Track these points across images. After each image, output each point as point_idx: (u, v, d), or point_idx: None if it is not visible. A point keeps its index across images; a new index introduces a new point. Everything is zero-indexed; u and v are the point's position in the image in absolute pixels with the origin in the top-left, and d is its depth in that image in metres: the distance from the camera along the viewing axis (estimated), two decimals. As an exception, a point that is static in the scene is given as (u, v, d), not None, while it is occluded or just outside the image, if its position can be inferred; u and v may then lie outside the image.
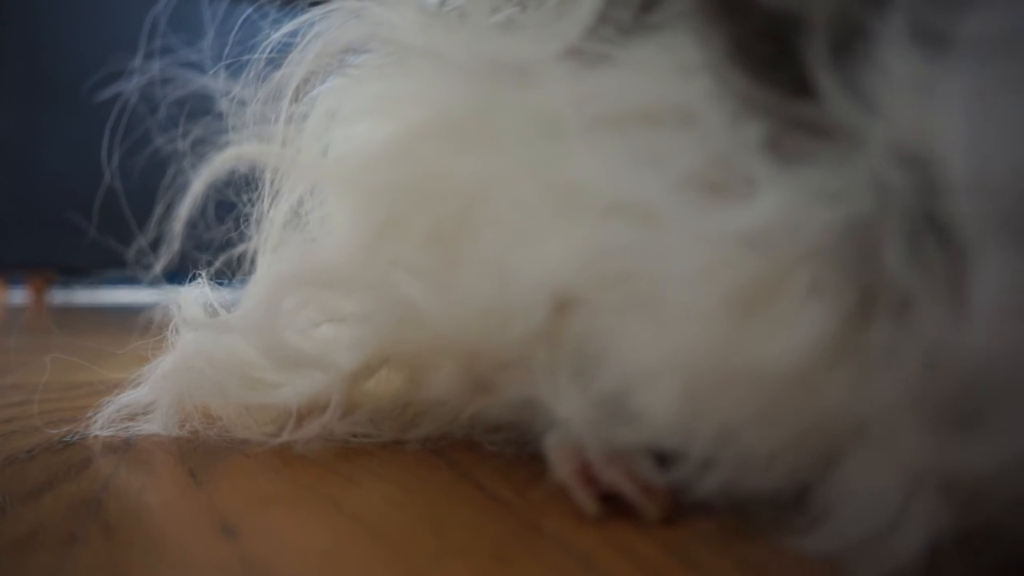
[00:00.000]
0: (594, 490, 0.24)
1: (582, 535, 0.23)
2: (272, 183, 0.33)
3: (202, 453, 0.32)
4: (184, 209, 0.29)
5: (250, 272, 0.33)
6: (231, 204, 0.33)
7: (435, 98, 0.28)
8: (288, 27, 0.34)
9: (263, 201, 0.34)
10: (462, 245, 0.27)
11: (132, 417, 0.35)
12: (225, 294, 0.35)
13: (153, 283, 0.31)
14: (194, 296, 0.35)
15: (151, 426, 0.34)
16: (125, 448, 0.33)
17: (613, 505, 0.24)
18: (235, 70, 0.33)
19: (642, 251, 0.22)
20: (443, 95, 0.28)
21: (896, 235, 0.19)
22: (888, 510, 0.19)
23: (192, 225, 0.29)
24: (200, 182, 0.29)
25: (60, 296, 2.03)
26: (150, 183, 0.30)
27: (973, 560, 0.19)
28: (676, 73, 0.23)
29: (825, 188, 0.20)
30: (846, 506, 0.21)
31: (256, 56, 0.33)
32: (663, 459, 0.24)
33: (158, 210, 0.29)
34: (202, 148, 0.30)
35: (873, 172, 0.20)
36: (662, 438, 0.23)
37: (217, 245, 0.33)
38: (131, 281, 0.32)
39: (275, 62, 0.33)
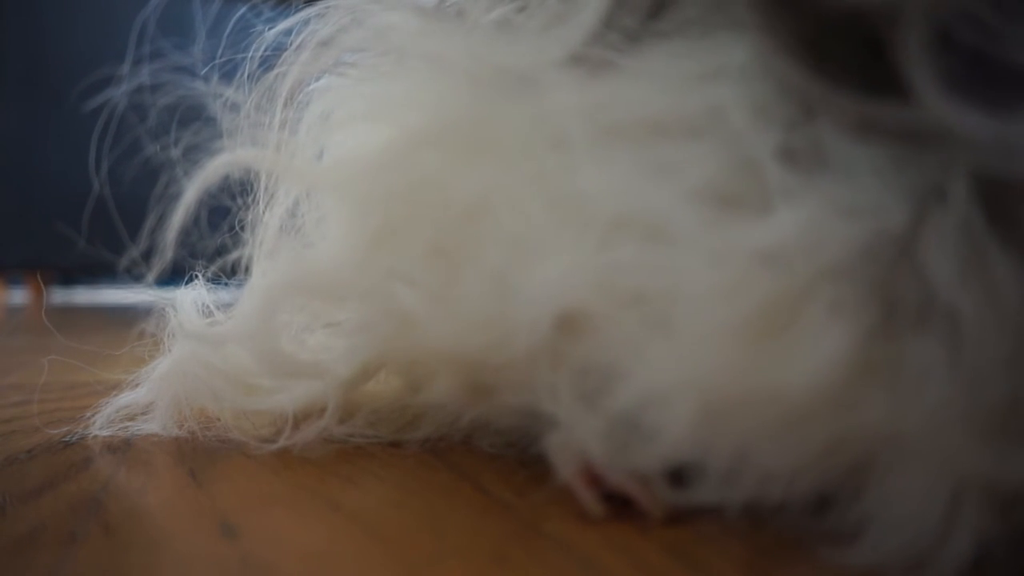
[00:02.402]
0: (598, 490, 0.24)
1: (583, 536, 0.22)
2: (267, 188, 0.33)
3: (202, 453, 0.32)
4: (178, 217, 0.28)
5: (246, 275, 0.33)
6: (228, 208, 0.33)
7: (434, 103, 0.27)
8: (284, 25, 0.33)
9: (258, 205, 0.33)
10: (462, 257, 0.26)
11: (132, 417, 0.35)
12: (222, 294, 0.35)
13: (150, 286, 0.30)
14: (190, 300, 0.34)
15: (150, 426, 0.34)
16: (125, 448, 0.33)
17: (615, 507, 0.24)
18: (232, 71, 0.33)
19: (652, 268, 0.22)
20: (442, 100, 0.27)
21: (945, 244, 0.19)
22: (932, 519, 0.19)
23: (189, 229, 0.29)
24: (193, 189, 0.29)
25: (60, 296, 2.03)
26: (147, 185, 0.30)
27: (1015, 560, 0.19)
28: (689, 81, 0.23)
29: (849, 202, 0.20)
30: (883, 517, 0.20)
31: (255, 55, 0.33)
32: (679, 473, 0.23)
33: (153, 216, 0.29)
34: (198, 152, 0.30)
35: (943, 173, 0.19)
36: (677, 455, 0.23)
37: (214, 249, 0.33)
38: (130, 282, 0.32)
39: (272, 61, 0.33)
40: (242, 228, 0.34)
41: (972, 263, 0.19)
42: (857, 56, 0.21)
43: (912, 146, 0.20)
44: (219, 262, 0.33)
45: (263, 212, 0.33)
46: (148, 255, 0.29)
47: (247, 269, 0.33)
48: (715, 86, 0.22)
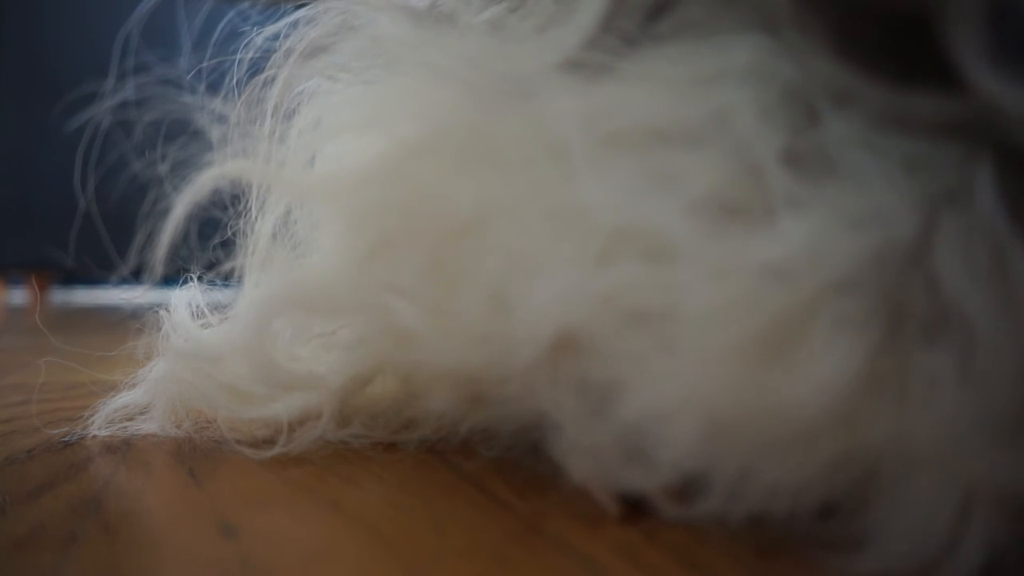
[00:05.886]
0: (614, 492, 0.24)
1: (584, 537, 0.22)
2: (259, 197, 0.33)
3: (201, 453, 0.32)
4: (168, 230, 0.28)
5: (240, 281, 0.33)
6: (224, 215, 0.33)
7: (428, 112, 0.27)
8: (273, 29, 0.33)
9: (250, 214, 0.33)
10: (460, 271, 0.26)
11: (130, 417, 0.35)
12: (217, 296, 0.35)
13: (147, 289, 0.30)
14: (184, 303, 0.34)
15: (149, 426, 0.34)
16: (125, 448, 0.33)
17: (625, 508, 0.24)
18: (232, 77, 0.33)
19: (654, 286, 0.21)
20: (437, 109, 0.26)
21: (958, 248, 0.18)
22: (941, 528, 0.19)
23: (186, 231, 0.29)
24: (183, 204, 0.28)
25: (60, 296, 2.03)
26: (145, 187, 0.30)
27: None
28: (690, 86, 0.22)
29: (857, 210, 0.19)
30: (891, 526, 0.20)
31: (249, 60, 0.33)
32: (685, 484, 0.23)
33: (146, 227, 0.28)
34: (191, 165, 0.30)
35: (971, 168, 0.19)
36: (682, 468, 0.22)
37: (208, 259, 0.32)
38: (128, 283, 0.32)
39: (262, 64, 0.33)
40: (235, 236, 0.33)
41: (990, 267, 0.18)
42: (892, 39, 0.21)
43: (942, 137, 0.20)
44: (214, 270, 0.33)
45: (255, 221, 0.33)
46: (142, 262, 0.29)
47: (241, 277, 0.33)
48: (717, 90, 0.22)
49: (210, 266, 0.33)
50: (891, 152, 0.20)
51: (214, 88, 0.32)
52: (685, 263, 0.21)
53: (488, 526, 0.23)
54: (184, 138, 0.30)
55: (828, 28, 0.21)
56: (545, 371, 0.24)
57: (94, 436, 0.34)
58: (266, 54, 0.33)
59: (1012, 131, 0.19)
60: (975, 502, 0.19)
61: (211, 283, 0.34)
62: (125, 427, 0.34)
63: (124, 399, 0.35)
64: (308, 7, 0.32)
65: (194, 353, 0.33)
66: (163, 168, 0.30)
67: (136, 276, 0.29)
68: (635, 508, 0.24)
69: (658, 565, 0.20)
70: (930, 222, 0.19)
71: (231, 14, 0.35)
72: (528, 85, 0.25)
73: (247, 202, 0.33)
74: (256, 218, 0.33)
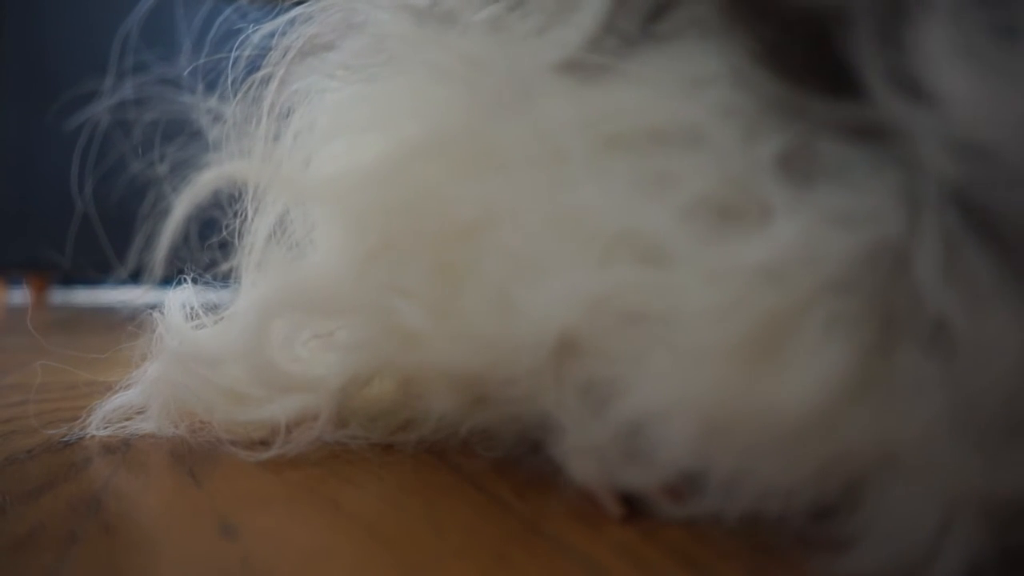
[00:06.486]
0: (616, 493, 0.24)
1: (583, 537, 0.22)
2: (257, 197, 0.33)
3: (201, 453, 0.32)
4: (168, 230, 0.28)
5: (236, 282, 0.33)
6: (223, 214, 0.33)
7: (430, 113, 0.27)
8: (272, 26, 0.33)
9: (248, 215, 0.33)
10: (463, 272, 0.26)
11: (130, 417, 0.35)
12: (212, 296, 0.35)
13: (147, 289, 0.30)
14: (179, 305, 0.34)
15: (148, 425, 0.34)
16: (125, 448, 0.33)
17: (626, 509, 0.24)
18: (236, 75, 0.33)
19: (652, 288, 0.22)
20: (439, 110, 0.27)
21: (931, 249, 0.19)
22: (925, 532, 0.19)
23: (186, 230, 0.28)
24: (182, 205, 0.28)
25: (59, 296, 2.03)
26: (143, 186, 0.29)
27: None
28: (687, 87, 0.23)
29: (847, 210, 0.19)
30: (878, 529, 0.20)
31: (252, 58, 0.33)
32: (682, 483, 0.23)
33: (145, 228, 0.28)
34: (191, 165, 0.29)
35: (916, 173, 0.19)
36: (678, 467, 0.23)
37: (207, 258, 0.32)
38: (128, 283, 0.32)
39: (265, 64, 0.32)
40: (231, 237, 0.33)
41: (954, 267, 0.18)
42: (815, 57, 0.21)
43: (885, 146, 0.20)
44: (210, 271, 0.33)
45: (251, 222, 0.33)
46: (141, 263, 0.29)
47: (237, 278, 0.33)
48: (712, 92, 0.22)
49: (207, 267, 0.33)
50: (868, 151, 0.20)
51: (212, 87, 0.32)
52: (681, 265, 0.21)
53: (487, 526, 0.23)
54: (183, 137, 0.30)
55: (759, 40, 0.22)
56: (549, 372, 0.24)
57: (93, 436, 0.34)
58: (264, 52, 0.33)
59: (918, 150, 0.19)
60: (958, 510, 0.19)
61: (207, 284, 0.34)
62: (124, 427, 0.34)
63: (121, 399, 0.35)
64: (307, 4, 0.32)
65: (189, 355, 0.33)
66: (162, 168, 0.30)
67: (135, 277, 0.29)
68: (634, 507, 0.24)
69: (657, 564, 0.21)
70: (913, 220, 0.19)
71: (229, 11, 0.35)
72: (529, 86, 0.25)
73: (243, 203, 0.33)
74: (252, 219, 0.33)
